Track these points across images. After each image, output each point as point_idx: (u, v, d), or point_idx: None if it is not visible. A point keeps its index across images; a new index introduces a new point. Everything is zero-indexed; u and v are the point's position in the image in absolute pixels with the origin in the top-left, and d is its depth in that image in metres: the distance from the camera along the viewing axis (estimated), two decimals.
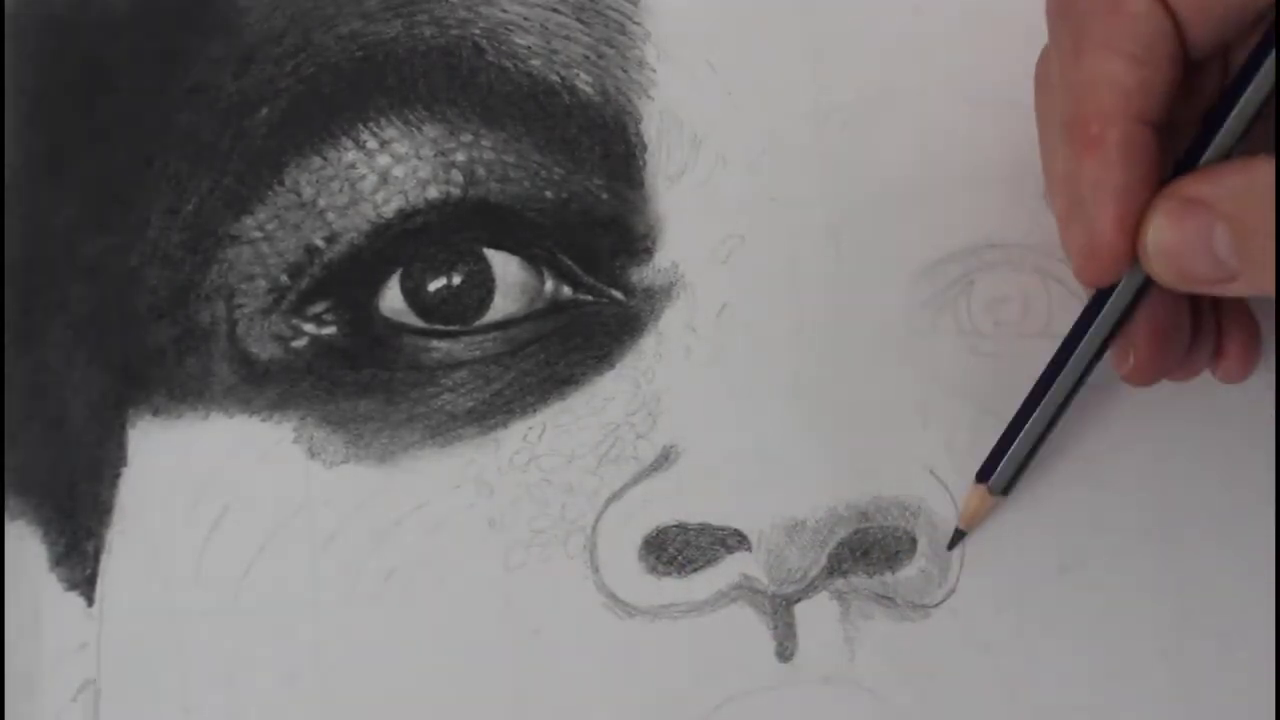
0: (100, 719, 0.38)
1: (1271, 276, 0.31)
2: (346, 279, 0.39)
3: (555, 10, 0.40)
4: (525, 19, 0.40)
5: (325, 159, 0.39)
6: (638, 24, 0.40)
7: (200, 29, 0.40)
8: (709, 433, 0.39)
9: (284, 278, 0.39)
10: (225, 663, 0.38)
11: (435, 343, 0.39)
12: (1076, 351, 0.36)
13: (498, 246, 0.39)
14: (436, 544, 0.39)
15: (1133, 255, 0.33)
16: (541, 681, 0.38)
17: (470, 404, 0.39)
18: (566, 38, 0.40)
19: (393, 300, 0.39)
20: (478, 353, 0.39)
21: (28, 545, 0.39)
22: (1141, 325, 0.35)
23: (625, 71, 0.40)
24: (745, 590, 0.38)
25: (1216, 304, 0.37)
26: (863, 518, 0.38)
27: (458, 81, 0.39)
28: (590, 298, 0.39)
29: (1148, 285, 0.34)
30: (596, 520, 0.39)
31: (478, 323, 0.39)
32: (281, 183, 0.39)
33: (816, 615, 0.38)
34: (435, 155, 0.39)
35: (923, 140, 0.40)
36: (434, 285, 0.39)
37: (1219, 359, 0.37)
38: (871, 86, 0.40)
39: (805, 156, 0.40)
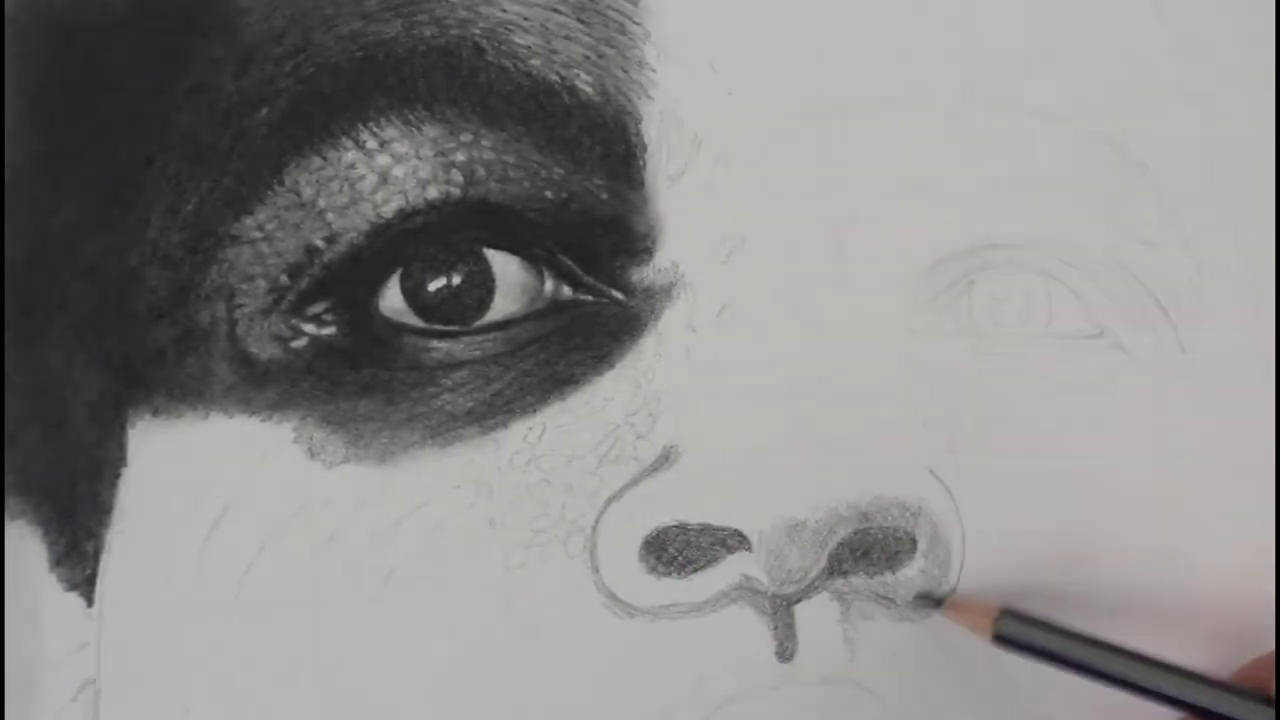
0: (100, 719, 0.38)
1: None
2: (346, 279, 0.39)
3: (555, 10, 0.40)
4: (525, 19, 0.40)
5: (325, 159, 0.39)
6: (638, 24, 0.40)
7: (200, 29, 0.40)
8: (709, 433, 0.39)
9: (284, 278, 0.39)
10: (225, 663, 0.38)
11: (435, 343, 0.39)
12: None
13: (498, 246, 0.39)
14: (436, 544, 0.39)
15: None
16: (541, 681, 0.38)
17: (470, 404, 0.39)
18: (566, 38, 0.40)
19: (393, 300, 0.39)
20: (478, 353, 0.39)
21: (28, 545, 0.39)
22: None
23: (625, 71, 0.40)
24: (746, 590, 0.38)
25: None
26: (863, 518, 0.38)
27: (458, 81, 0.39)
28: (590, 298, 0.39)
29: None
30: (596, 520, 0.39)
31: (478, 323, 0.39)
32: (281, 183, 0.39)
33: (817, 616, 0.38)
34: (435, 155, 0.39)
35: (923, 140, 0.40)
36: (434, 285, 0.39)
37: None
38: (871, 86, 0.40)
39: (805, 156, 0.40)
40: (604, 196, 0.39)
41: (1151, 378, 0.40)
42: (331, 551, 0.39)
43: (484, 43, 0.40)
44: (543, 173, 0.39)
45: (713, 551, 0.38)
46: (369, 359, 0.39)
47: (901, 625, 0.38)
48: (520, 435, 0.39)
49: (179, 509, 0.39)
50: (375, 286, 0.39)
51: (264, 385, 0.39)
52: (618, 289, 0.39)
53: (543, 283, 0.39)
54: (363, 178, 0.39)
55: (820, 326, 0.39)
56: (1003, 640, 0.37)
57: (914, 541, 0.38)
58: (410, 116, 0.39)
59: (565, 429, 0.39)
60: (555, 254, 0.39)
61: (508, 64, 0.39)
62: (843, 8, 0.41)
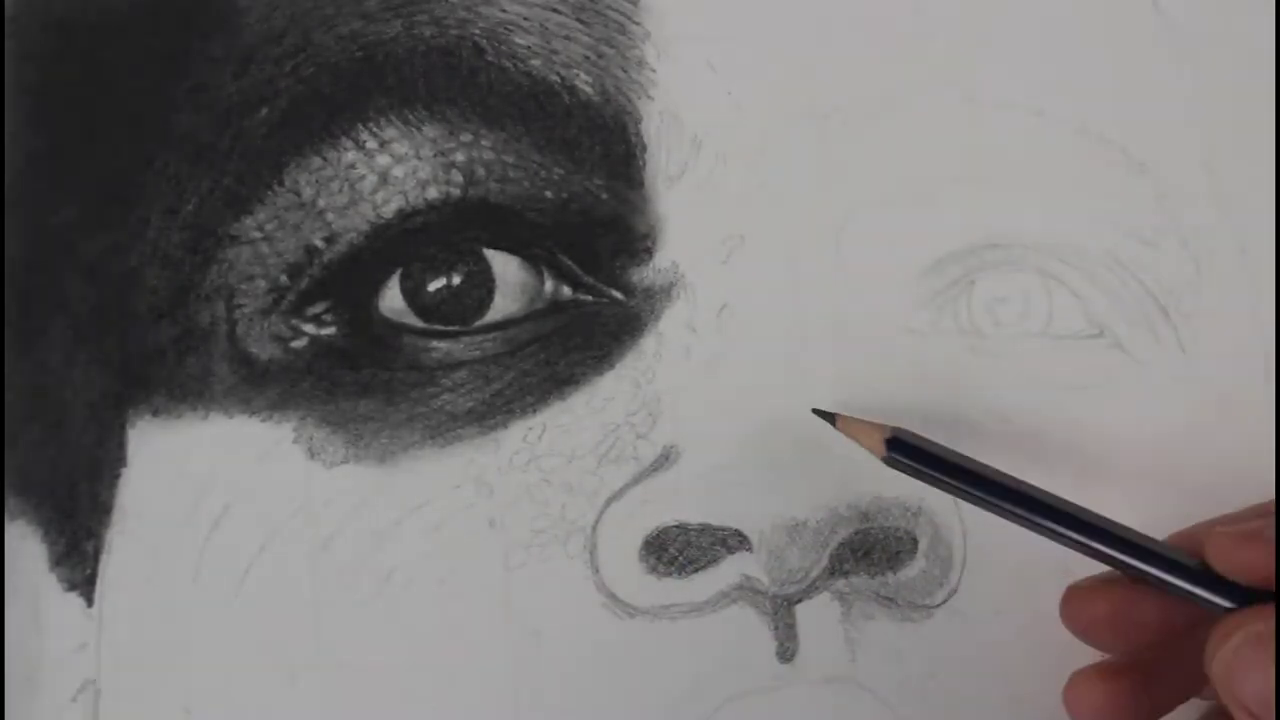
0: (100, 719, 0.38)
1: None
2: (346, 279, 0.39)
3: (555, 10, 0.40)
4: (525, 19, 0.40)
5: (325, 159, 0.39)
6: (638, 24, 0.40)
7: (200, 29, 0.40)
8: (709, 433, 0.39)
9: (284, 278, 0.39)
10: (225, 663, 0.38)
11: (435, 343, 0.39)
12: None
13: (497, 246, 0.39)
14: (436, 544, 0.39)
15: None
16: (541, 681, 0.38)
17: (470, 404, 0.39)
18: (566, 38, 0.40)
19: (392, 300, 0.39)
20: (477, 353, 0.39)
21: (28, 545, 0.39)
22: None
23: (625, 71, 0.40)
24: (746, 591, 0.38)
25: None
26: (864, 518, 0.38)
27: (457, 81, 0.39)
28: (590, 298, 0.39)
29: None
30: (596, 520, 0.39)
31: (478, 323, 0.39)
32: (281, 183, 0.39)
33: (817, 616, 0.38)
34: (435, 155, 0.39)
35: (923, 140, 0.40)
36: (434, 285, 0.39)
37: None
38: (871, 86, 0.40)
39: (805, 156, 0.40)
40: (604, 196, 0.39)
41: (1151, 378, 0.40)
42: (331, 551, 0.39)
43: (484, 43, 0.40)
44: (543, 173, 0.39)
45: (713, 551, 0.38)
46: (369, 359, 0.39)
47: (903, 625, 0.38)
48: (520, 435, 0.39)
49: (179, 509, 0.39)
50: (375, 286, 0.39)
51: (264, 385, 0.39)
52: (618, 289, 0.39)
53: (543, 283, 0.39)
54: (363, 178, 0.39)
55: (820, 326, 0.39)
56: (894, 458, 0.36)
57: (915, 541, 0.38)
58: (410, 116, 0.39)
59: (565, 429, 0.39)
60: (555, 254, 0.39)
61: (508, 64, 0.39)
62: (843, 8, 0.41)
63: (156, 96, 0.40)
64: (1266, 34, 0.42)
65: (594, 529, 0.39)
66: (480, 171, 0.39)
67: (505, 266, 0.39)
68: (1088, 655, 0.37)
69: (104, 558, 0.39)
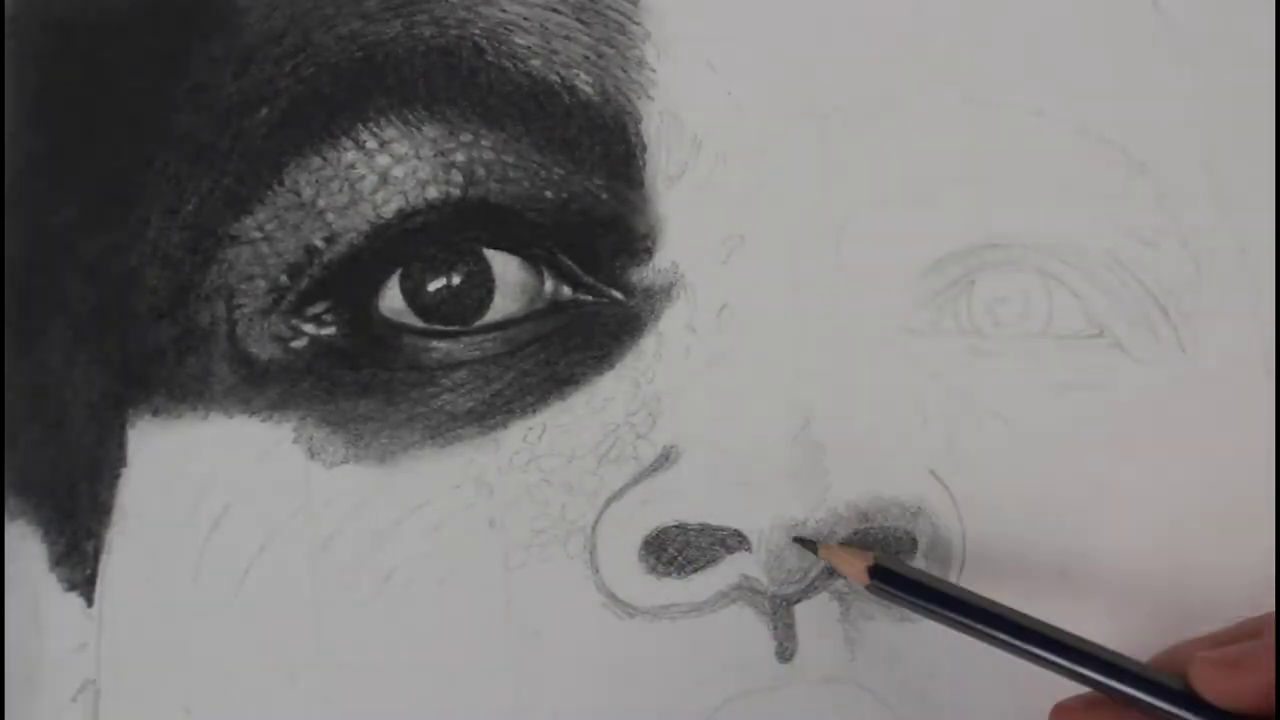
0: (100, 719, 0.38)
1: None
2: (346, 279, 0.39)
3: (555, 10, 0.40)
4: (525, 19, 0.40)
5: (325, 159, 0.39)
6: (638, 24, 0.40)
7: (200, 29, 0.40)
8: (709, 433, 0.39)
9: (284, 278, 0.39)
10: (225, 663, 0.38)
11: (435, 343, 0.39)
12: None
13: (497, 246, 0.39)
14: (436, 544, 0.39)
15: None
16: (541, 681, 0.38)
17: (470, 404, 0.39)
18: (566, 38, 0.40)
19: (392, 300, 0.39)
20: (477, 353, 0.39)
21: (28, 545, 0.39)
22: None
23: (625, 71, 0.40)
24: (745, 591, 0.38)
25: None
26: (863, 518, 0.38)
27: (457, 81, 0.39)
28: (590, 298, 0.39)
29: None
30: (596, 520, 0.39)
31: (477, 323, 0.39)
32: (281, 183, 0.39)
33: (817, 616, 0.38)
34: (435, 155, 0.39)
35: (923, 140, 0.40)
36: (434, 285, 0.39)
37: None
38: (871, 86, 0.40)
39: (805, 156, 0.40)
40: (604, 196, 0.39)
41: (1151, 378, 0.40)
42: (331, 551, 0.39)
43: (484, 43, 0.40)
44: (543, 173, 0.39)
45: (712, 551, 0.38)
46: (369, 359, 0.39)
47: (902, 625, 0.38)
48: (520, 435, 0.39)
49: (179, 509, 0.39)
50: (375, 286, 0.39)
51: (264, 385, 0.39)
52: (618, 289, 0.39)
53: (543, 283, 0.39)
54: (363, 178, 0.39)
55: (820, 326, 0.39)
56: (878, 586, 0.36)
57: (914, 541, 0.38)
58: (410, 116, 0.39)
59: (565, 429, 0.39)
60: (555, 254, 0.39)
61: (508, 64, 0.39)
62: (843, 8, 0.41)
63: (156, 96, 0.40)
64: (1266, 34, 0.42)
65: (594, 529, 0.39)
66: (480, 171, 0.39)
67: (505, 266, 0.39)
68: None
69: (104, 558, 0.39)
